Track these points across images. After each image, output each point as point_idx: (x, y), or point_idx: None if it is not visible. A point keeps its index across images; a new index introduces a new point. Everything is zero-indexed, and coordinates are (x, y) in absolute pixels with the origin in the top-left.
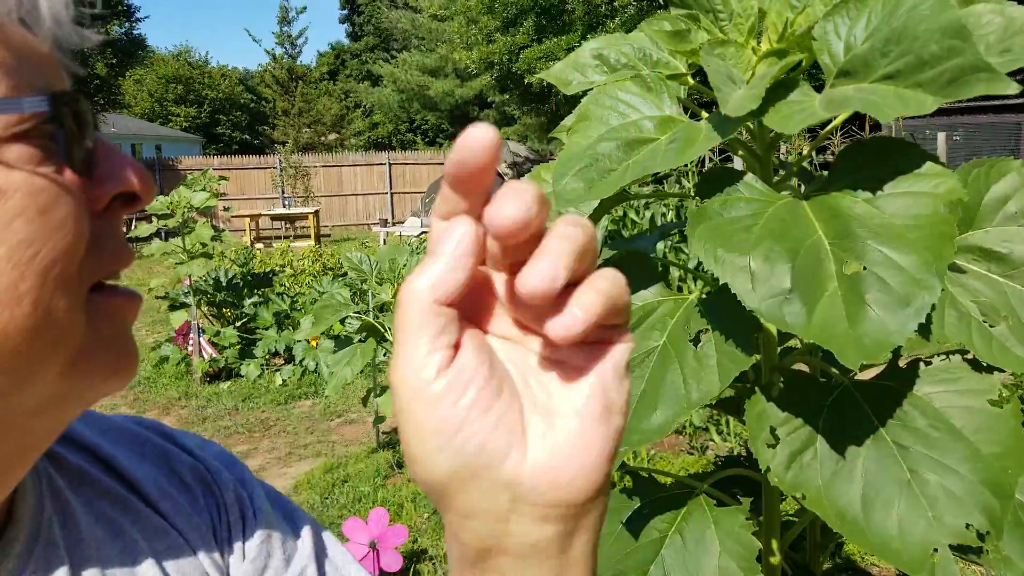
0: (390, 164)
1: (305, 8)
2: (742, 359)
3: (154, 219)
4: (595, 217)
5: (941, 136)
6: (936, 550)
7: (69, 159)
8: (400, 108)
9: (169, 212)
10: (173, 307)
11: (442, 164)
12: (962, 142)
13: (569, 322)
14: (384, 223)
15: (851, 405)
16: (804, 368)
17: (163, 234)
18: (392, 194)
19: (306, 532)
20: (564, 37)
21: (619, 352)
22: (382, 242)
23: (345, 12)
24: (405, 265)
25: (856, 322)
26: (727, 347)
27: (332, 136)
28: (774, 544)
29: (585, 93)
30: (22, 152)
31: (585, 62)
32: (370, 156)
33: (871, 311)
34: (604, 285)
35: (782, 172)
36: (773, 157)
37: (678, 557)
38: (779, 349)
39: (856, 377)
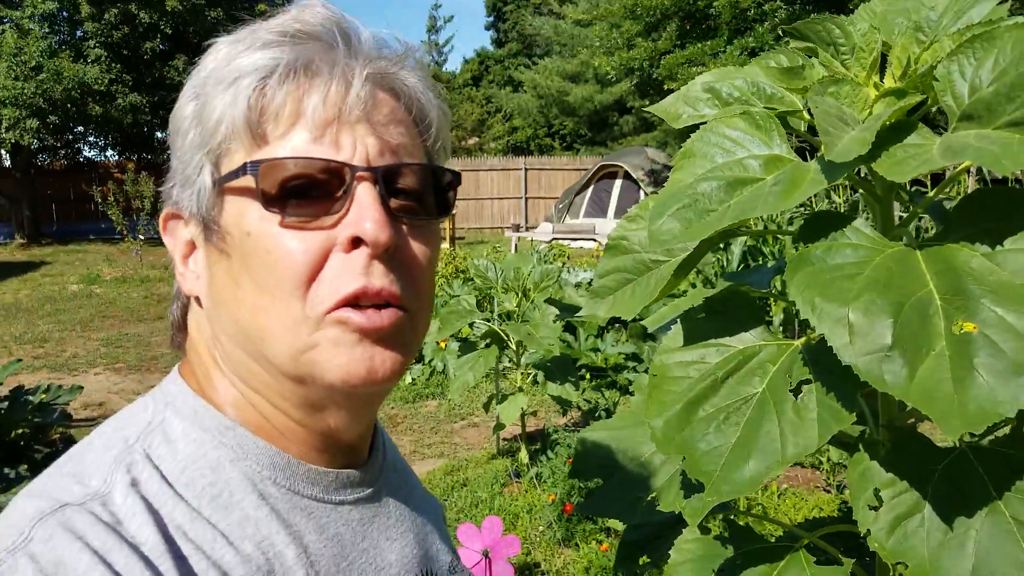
0: (526, 169)
1: (452, 17)
2: (844, 416)
3: None
4: (695, 257)
5: None
6: None
7: (278, 211)
8: (539, 113)
9: None
10: None
11: (578, 169)
12: None
13: None
14: (516, 228)
15: (966, 472)
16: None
17: None
18: (527, 199)
19: None
20: (708, 42)
21: None
22: (513, 246)
23: (491, 19)
24: (530, 274)
25: (962, 387)
26: (829, 401)
27: (472, 140)
28: None
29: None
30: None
31: (696, 95)
32: (507, 161)
33: (979, 376)
34: None
35: (906, 215)
36: (898, 197)
37: None
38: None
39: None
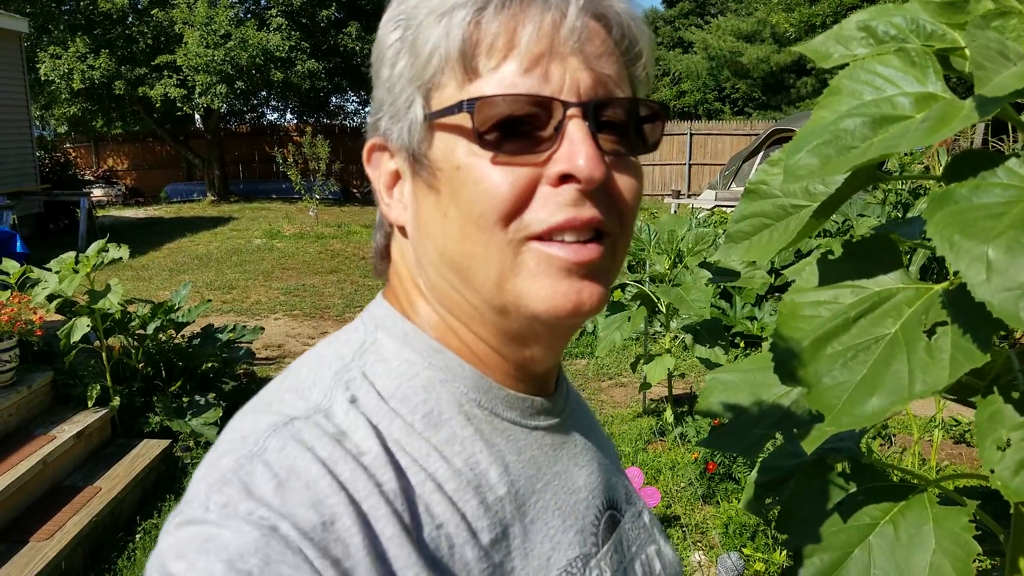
0: (691, 134)
1: None
2: (977, 356)
3: None
4: (840, 196)
5: None
6: None
7: (489, 145)
8: (709, 76)
9: None
10: None
11: (748, 135)
12: None
13: None
14: (676, 194)
15: None
16: None
17: None
18: (690, 165)
19: None
20: None
21: None
22: (672, 213)
23: None
24: (683, 237)
25: None
26: (963, 342)
27: None
28: (1021, 563)
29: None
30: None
31: (850, 34)
32: (671, 126)
33: None
34: None
35: None
36: None
37: (887, 546)
38: None
39: None
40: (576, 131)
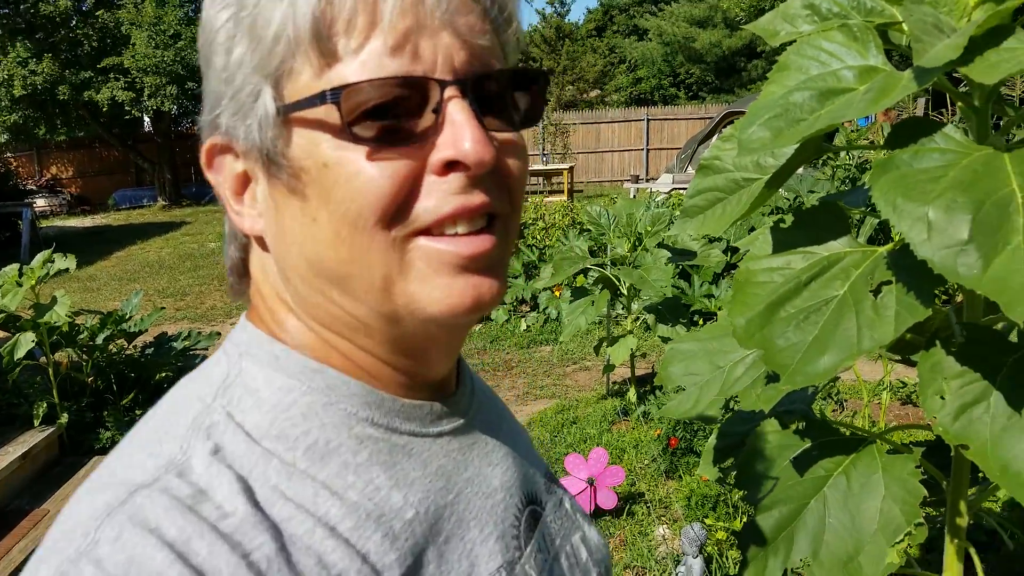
0: (648, 120)
1: None
2: (919, 310)
3: None
4: (789, 167)
5: None
6: None
7: (360, 138)
8: (664, 62)
9: None
10: None
11: (702, 118)
12: None
13: None
14: (635, 179)
15: None
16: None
17: None
18: (648, 150)
19: None
20: None
21: None
22: (632, 197)
23: None
24: (641, 219)
25: None
26: (907, 298)
27: (594, 92)
28: (962, 505)
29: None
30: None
31: (795, 12)
32: (628, 112)
33: None
34: None
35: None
36: (999, 110)
37: (840, 496)
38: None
39: None
40: (457, 112)
